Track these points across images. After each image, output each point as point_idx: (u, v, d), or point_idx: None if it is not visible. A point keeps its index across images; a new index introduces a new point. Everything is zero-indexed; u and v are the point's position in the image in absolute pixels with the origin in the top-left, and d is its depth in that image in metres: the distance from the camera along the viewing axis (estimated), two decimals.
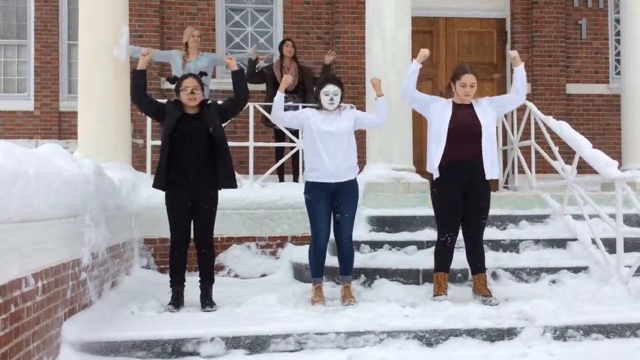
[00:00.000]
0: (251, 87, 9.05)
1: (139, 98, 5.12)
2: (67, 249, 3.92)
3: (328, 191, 5.02)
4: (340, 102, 5.16)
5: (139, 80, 5.09)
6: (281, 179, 7.95)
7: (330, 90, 5.06)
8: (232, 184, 5.01)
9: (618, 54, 9.39)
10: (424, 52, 5.13)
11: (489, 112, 5.13)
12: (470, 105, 5.15)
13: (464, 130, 5.02)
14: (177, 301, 4.89)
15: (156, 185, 4.94)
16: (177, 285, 4.95)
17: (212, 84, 8.12)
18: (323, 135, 5.01)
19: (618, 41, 9.29)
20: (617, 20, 9.48)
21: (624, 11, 7.87)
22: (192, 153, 4.86)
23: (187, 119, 4.93)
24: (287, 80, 5.20)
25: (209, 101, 5.22)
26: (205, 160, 4.87)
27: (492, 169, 5.03)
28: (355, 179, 5.14)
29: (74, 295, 4.07)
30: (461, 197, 5.03)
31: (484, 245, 5.23)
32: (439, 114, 5.10)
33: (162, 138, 4.98)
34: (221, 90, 8.75)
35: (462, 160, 5.00)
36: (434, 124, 5.11)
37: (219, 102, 5.32)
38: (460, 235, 5.16)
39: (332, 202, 5.05)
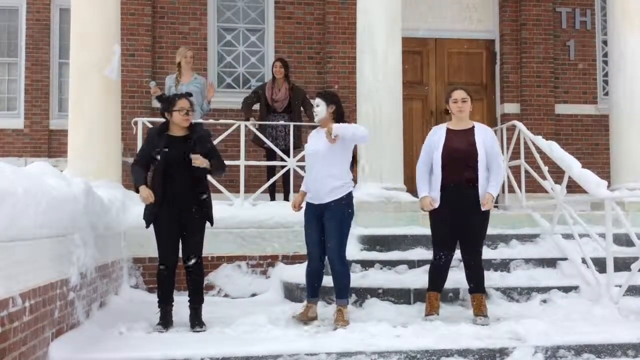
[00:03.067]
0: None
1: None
2: (55, 268, 3.88)
3: (317, 212, 4.99)
4: (336, 116, 5.03)
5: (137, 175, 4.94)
6: (272, 198, 7.94)
7: (314, 102, 5.12)
8: (209, 223, 5.02)
9: (606, 74, 9.51)
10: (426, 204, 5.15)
11: (486, 141, 5.11)
12: (469, 131, 5.15)
13: (458, 154, 5.05)
14: (165, 321, 4.84)
15: (148, 220, 4.90)
16: (165, 305, 4.90)
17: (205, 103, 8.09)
18: (308, 156, 5.06)
19: (606, 62, 9.40)
20: (605, 42, 9.60)
21: (612, 33, 7.97)
22: (180, 176, 4.82)
23: (174, 142, 4.87)
24: (297, 202, 5.21)
25: (201, 125, 5.16)
26: (192, 182, 4.85)
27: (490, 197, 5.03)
28: (341, 198, 4.93)
29: (61, 316, 4.02)
30: (454, 218, 5.03)
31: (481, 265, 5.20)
32: (436, 145, 5.16)
33: (154, 173, 4.88)
34: (212, 109, 8.77)
35: (455, 184, 5.03)
36: (434, 154, 5.16)
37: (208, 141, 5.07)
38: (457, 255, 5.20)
39: (321, 223, 5.00)
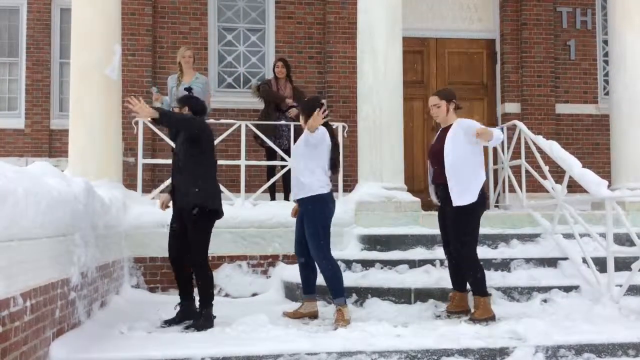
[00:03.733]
0: (243, 105, 9.20)
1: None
2: (56, 268, 3.88)
3: (300, 208, 5.15)
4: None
5: None
6: (272, 198, 7.93)
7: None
8: (186, 202, 4.93)
9: (606, 74, 9.50)
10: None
11: (460, 137, 5.06)
12: (447, 129, 5.21)
13: (434, 155, 5.23)
14: (171, 319, 4.92)
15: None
16: (181, 301, 5.02)
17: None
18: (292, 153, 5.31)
19: (606, 62, 9.40)
20: (605, 42, 9.60)
21: (612, 32, 7.97)
22: (174, 170, 5.01)
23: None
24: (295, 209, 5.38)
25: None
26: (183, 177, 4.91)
27: (458, 195, 4.98)
28: (309, 197, 4.98)
29: (62, 315, 4.02)
30: (444, 218, 5.21)
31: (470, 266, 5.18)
32: None
33: None
34: (213, 109, 8.78)
35: (439, 182, 5.20)
36: None
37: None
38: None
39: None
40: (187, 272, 5.02)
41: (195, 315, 4.90)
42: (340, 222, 6.51)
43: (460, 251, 5.04)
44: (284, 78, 8.12)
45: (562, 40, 10.31)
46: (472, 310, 5.04)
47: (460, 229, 5.02)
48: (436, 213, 5.46)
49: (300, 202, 5.09)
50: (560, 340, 4.37)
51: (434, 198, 5.41)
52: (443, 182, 5.09)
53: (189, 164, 4.90)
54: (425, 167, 9.69)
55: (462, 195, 4.98)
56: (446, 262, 5.90)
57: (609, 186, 6.11)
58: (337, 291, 4.97)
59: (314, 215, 5.00)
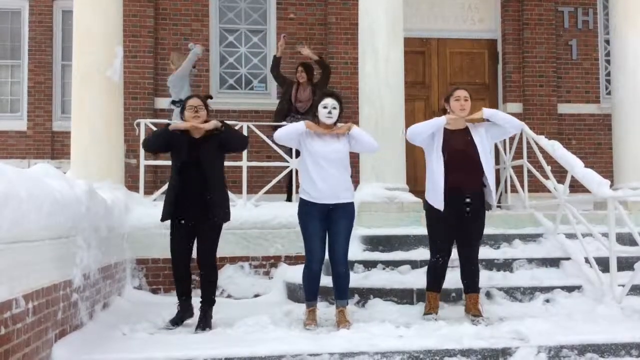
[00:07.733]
0: (244, 106, 9.23)
1: (156, 149, 5.06)
2: (58, 269, 3.89)
3: (322, 212, 4.92)
4: (338, 119, 5.01)
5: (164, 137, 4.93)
6: (289, 198, 7.95)
7: (329, 104, 4.91)
8: (224, 218, 4.98)
9: (608, 74, 9.50)
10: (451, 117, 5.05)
11: (486, 140, 5.04)
12: (465, 131, 5.08)
13: (460, 158, 4.94)
14: (176, 318, 4.93)
15: (164, 219, 4.95)
16: (180, 303, 5.01)
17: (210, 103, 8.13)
18: (319, 157, 4.90)
19: (608, 61, 9.40)
20: (607, 41, 9.59)
21: (614, 32, 7.96)
22: (198, 179, 4.84)
23: (193, 144, 4.88)
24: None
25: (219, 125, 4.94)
26: (201, 183, 4.85)
27: (491, 196, 5.04)
28: (352, 202, 5.02)
29: (65, 317, 4.03)
30: (458, 221, 4.98)
31: (479, 265, 5.23)
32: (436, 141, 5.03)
33: (172, 168, 4.93)
34: (215, 110, 8.78)
35: (461, 188, 4.92)
36: (432, 154, 5.04)
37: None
38: (455, 255, 5.16)
39: (326, 223, 4.95)
40: (188, 274, 5.04)
41: (192, 312, 4.98)
42: None
43: (477, 251, 5.08)
44: (305, 83, 8.14)
45: (564, 40, 10.32)
46: (473, 310, 5.01)
47: (483, 228, 5.07)
48: None
49: (339, 205, 4.90)
50: (562, 341, 4.36)
51: (441, 205, 4.94)
52: (477, 189, 4.94)
53: (221, 174, 4.95)
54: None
55: (493, 195, 5.04)
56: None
57: (611, 186, 6.10)
58: (345, 292, 4.97)
59: (353, 218, 5.03)
